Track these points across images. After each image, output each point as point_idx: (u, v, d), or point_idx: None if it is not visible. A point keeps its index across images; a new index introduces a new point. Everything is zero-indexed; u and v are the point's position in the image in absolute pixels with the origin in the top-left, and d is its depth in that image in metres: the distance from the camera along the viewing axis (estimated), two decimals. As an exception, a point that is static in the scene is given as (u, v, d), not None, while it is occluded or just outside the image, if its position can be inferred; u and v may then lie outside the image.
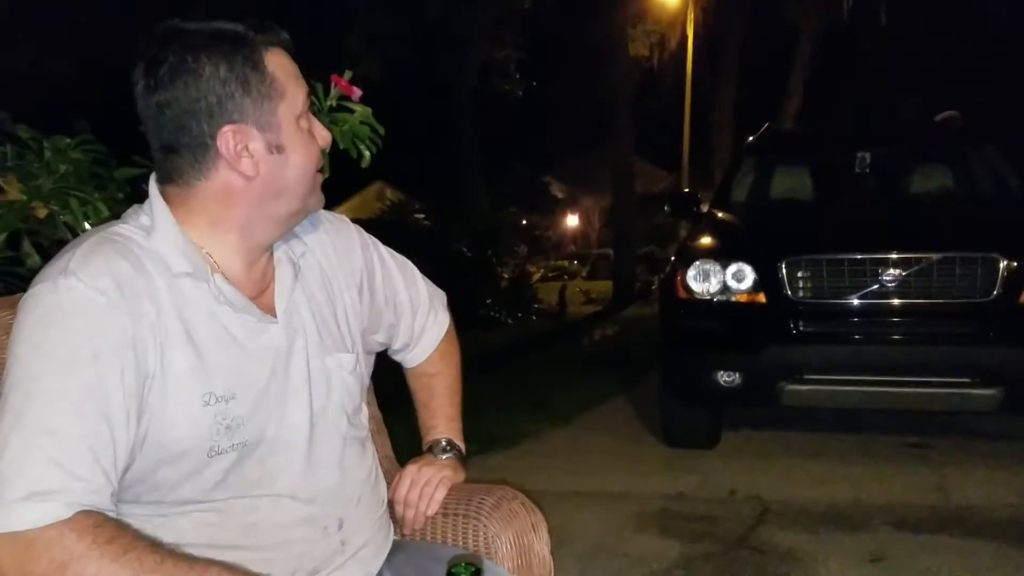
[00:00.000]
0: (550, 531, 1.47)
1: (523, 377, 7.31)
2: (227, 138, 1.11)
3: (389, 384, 1.60)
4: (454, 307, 1.61)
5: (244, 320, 1.16)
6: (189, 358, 1.10)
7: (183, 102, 1.10)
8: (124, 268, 1.08)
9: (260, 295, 1.21)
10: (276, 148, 1.14)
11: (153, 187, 1.17)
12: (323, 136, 1.21)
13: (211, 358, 1.12)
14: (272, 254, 1.24)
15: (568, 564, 3.00)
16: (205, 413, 1.10)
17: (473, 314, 10.58)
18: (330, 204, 1.45)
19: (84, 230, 2.23)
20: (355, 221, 1.47)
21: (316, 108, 2.07)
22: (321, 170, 1.23)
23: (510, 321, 12.57)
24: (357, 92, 2.15)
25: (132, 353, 1.05)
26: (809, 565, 3.05)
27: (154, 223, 1.14)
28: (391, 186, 23.50)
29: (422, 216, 13.74)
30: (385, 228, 12.37)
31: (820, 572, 2.99)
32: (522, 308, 13.46)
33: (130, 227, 1.14)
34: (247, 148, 1.12)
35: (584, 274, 25.36)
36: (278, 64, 1.15)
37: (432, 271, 1.58)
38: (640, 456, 4.64)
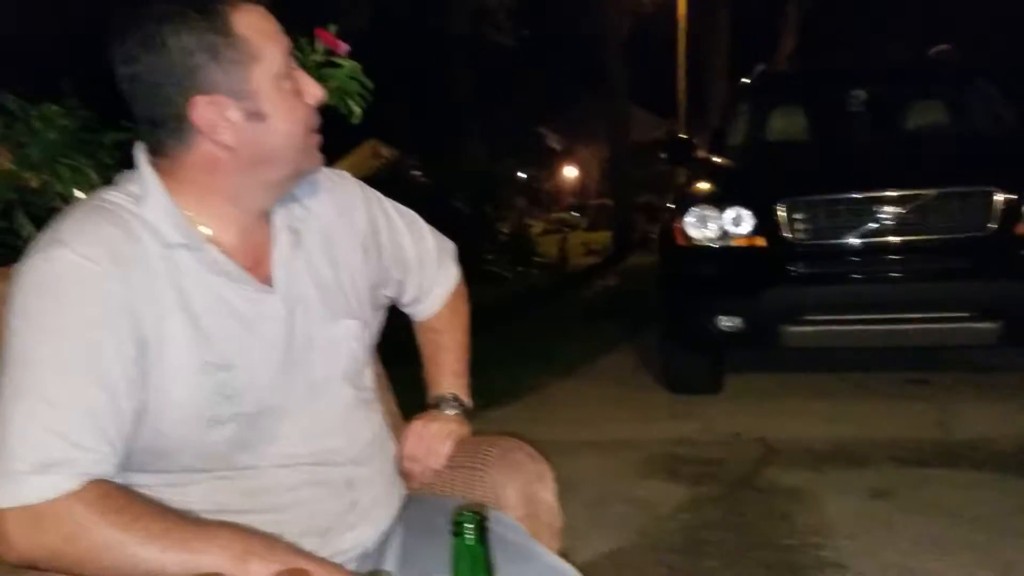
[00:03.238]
0: (557, 480, 1.47)
1: (525, 330, 7.33)
2: (200, 109, 1.07)
3: (392, 340, 1.60)
4: None
5: (241, 290, 1.14)
6: (184, 327, 1.08)
7: (153, 75, 1.06)
8: (115, 236, 1.06)
9: (258, 264, 1.18)
10: (255, 115, 1.09)
11: (140, 156, 1.14)
12: (313, 94, 1.15)
13: (207, 327, 1.10)
14: (269, 221, 1.21)
15: (576, 511, 3.02)
16: (202, 382, 1.09)
17: (473, 269, 10.47)
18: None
19: (75, 198, 2.22)
20: (349, 181, 1.44)
21: (300, 64, 2.05)
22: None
23: (510, 275, 12.57)
24: (344, 47, 2.12)
25: (128, 320, 1.04)
26: (813, 503, 3.08)
27: (144, 192, 1.11)
28: (384, 143, 23.32)
29: (418, 173, 13.63)
30: (380, 187, 12.14)
31: (825, 509, 3.02)
32: (522, 262, 13.45)
33: (120, 195, 1.12)
34: (224, 118, 1.08)
35: (584, 225, 25.28)
36: (249, 24, 1.08)
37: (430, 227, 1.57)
38: (644, 403, 4.67)
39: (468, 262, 1.61)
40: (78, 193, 2.16)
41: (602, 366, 5.81)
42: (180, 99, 1.07)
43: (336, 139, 1.23)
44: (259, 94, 1.09)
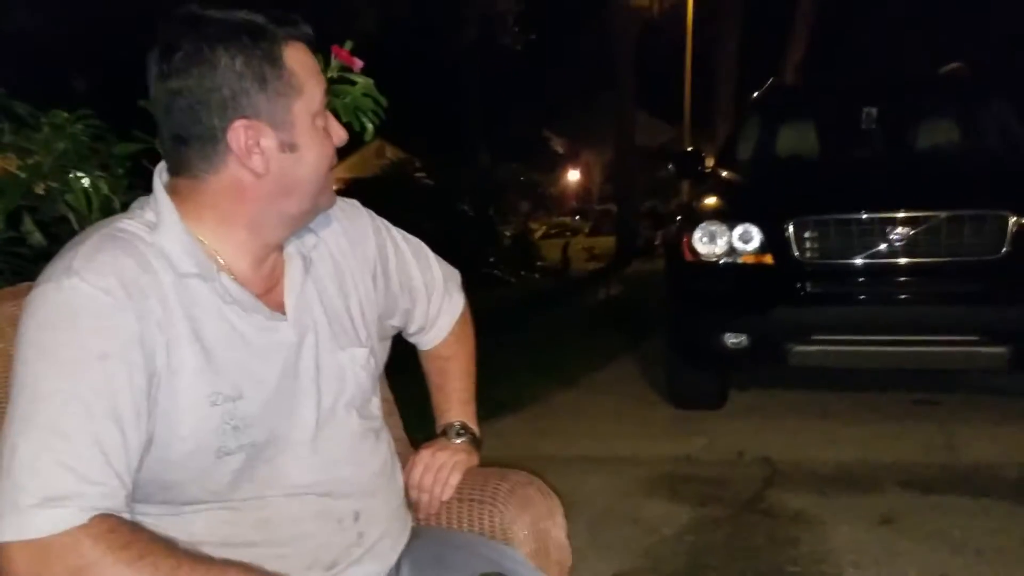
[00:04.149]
0: (560, 497, 1.47)
1: (528, 337, 7.31)
2: (238, 133, 1.08)
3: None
4: (456, 265, 1.59)
5: (253, 319, 1.14)
6: (196, 357, 1.08)
7: (196, 92, 1.07)
8: (129, 266, 1.06)
9: (270, 291, 1.18)
10: (289, 147, 1.11)
11: (158, 183, 1.14)
12: (339, 135, 1.19)
13: (219, 357, 1.10)
14: (282, 250, 1.22)
15: (579, 531, 2.98)
16: (212, 413, 1.09)
17: (476, 273, 10.57)
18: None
19: (85, 208, 2.20)
20: (355, 180, 1.45)
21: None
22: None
23: (513, 280, 12.56)
24: (358, 63, 2.10)
25: (140, 352, 1.03)
26: (818, 528, 3.06)
27: (159, 220, 1.11)
28: (390, 143, 23.34)
29: (423, 174, 13.63)
30: (385, 187, 12.30)
31: (830, 535, 2.99)
32: (525, 266, 13.46)
33: (135, 223, 1.12)
34: (258, 144, 1.09)
35: (587, 230, 25.28)
36: (297, 60, 1.11)
37: (434, 230, 1.56)
38: (647, 418, 4.65)
39: (471, 266, 1.60)
40: (87, 202, 2.13)
41: (605, 377, 5.78)
42: (220, 120, 1.08)
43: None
44: (295, 126, 1.12)
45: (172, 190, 1.13)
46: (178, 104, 1.08)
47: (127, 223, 1.12)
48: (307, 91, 1.12)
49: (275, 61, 1.09)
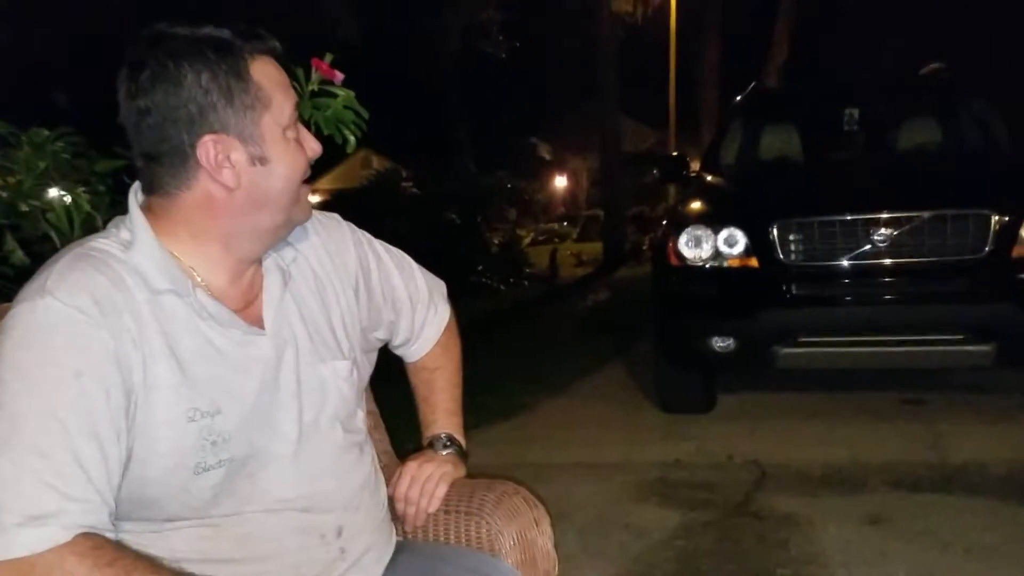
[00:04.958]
0: (550, 505, 1.47)
1: (517, 345, 7.31)
2: (207, 148, 1.09)
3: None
4: (445, 274, 1.59)
5: (230, 333, 1.14)
6: (172, 373, 1.08)
7: (163, 109, 1.07)
8: (102, 284, 1.06)
9: (248, 306, 1.19)
10: (259, 160, 1.12)
11: (133, 201, 1.15)
12: (312, 148, 1.19)
13: (195, 373, 1.10)
14: (260, 263, 1.22)
15: (569, 538, 3.00)
16: (189, 429, 1.09)
17: (464, 281, 10.57)
18: (314, 175, 1.42)
19: (67, 226, 2.19)
20: (341, 191, 1.44)
21: (298, 93, 2.03)
22: (307, 180, 1.20)
23: (502, 287, 12.56)
24: (339, 75, 2.11)
25: (116, 369, 1.04)
26: (808, 530, 3.06)
27: (134, 238, 1.12)
28: (376, 153, 23.31)
29: (409, 184, 13.63)
30: (372, 197, 12.30)
31: (819, 536, 3.00)
32: (513, 273, 13.45)
33: (108, 241, 1.12)
34: (228, 159, 1.10)
35: (575, 236, 25.29)
36: (264, 73, 1.12)
37: (421, 239, 1.56)
38: (637, 423, 4.65)
39: (460, 274, 1.60)
40: (69, 221, 2.13)
41: (594, 383, 5.78)
42: (188, 136, 1.09)
43: (328, 149, 1.24)
44: (265, 139, 1.12)
45: (147, 208, 1.14)
46: (146, 122, 1.09)
47: (100, 242, 1.12)
48: (275, 104, 1.12)
49: (241, 75, 1.09)
